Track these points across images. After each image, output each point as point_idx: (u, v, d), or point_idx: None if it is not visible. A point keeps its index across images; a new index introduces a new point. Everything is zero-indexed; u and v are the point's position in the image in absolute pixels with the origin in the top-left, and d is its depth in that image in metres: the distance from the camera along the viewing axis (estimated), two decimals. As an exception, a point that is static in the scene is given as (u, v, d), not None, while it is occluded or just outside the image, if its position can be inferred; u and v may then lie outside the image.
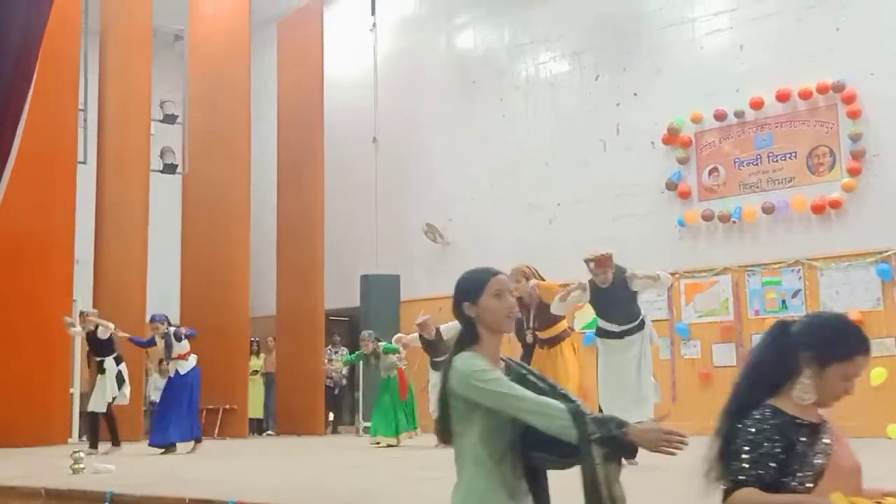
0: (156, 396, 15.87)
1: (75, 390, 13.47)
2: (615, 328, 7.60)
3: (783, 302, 11.98)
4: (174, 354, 10.90)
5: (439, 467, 7.40)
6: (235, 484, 6.13)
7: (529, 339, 8.11)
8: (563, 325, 8.29)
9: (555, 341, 8.14)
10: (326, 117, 15.97)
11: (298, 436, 14.63)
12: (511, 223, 14.49)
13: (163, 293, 14.78)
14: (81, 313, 11.47)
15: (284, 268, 15.89)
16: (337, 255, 15.99)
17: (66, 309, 13.03)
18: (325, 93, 16.04)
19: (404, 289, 15.31)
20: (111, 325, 11.24)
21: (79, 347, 13.77)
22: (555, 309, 7.66)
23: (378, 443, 11.11)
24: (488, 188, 14.89)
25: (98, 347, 11.21)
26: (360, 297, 15.27)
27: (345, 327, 17.37)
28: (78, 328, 11.41)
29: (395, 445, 11.04)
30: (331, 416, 16.13)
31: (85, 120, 13.95)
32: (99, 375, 11.10)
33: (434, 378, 10.99)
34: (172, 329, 10.94)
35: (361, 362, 12.19)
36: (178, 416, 10.70)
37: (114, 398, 11.06)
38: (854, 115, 11.72)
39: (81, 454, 7.12)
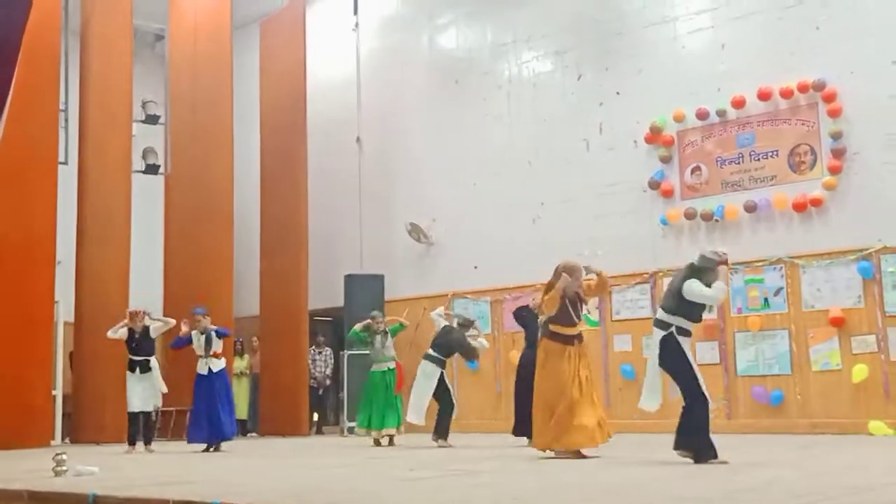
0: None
1: (58, 392, 13.40)
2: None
3: (765, 300, 12.04)
4: (211, 351, 10.95)
5: (425, 468, 7.40)
6: (219, 485, 6.12)
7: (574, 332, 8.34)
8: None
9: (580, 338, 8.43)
10: (309, 117, 15.94)
11: (283, 437, 14.59)
12: (495, 222, 14.52)
13: (145, 294, 14.70)
14: (132, 312, 11.41)
15: (268, 268, 15.85)
16: (321, 255, 15.97)
17: (48, 310, 12.97)
18: (308, 93, 16.00)
19: (388, 289, 15.31)
20: (171, 321, 11.43)
21: (61, 348, 13.70)
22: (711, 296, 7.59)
23: (380, 437, 11.06)
24: (472, 188, 14.91)
25: (145, 346, 11.23)
26: (345, 297, 15.26)
27: (329, 327, 17.34)
28: (123, 330, 11.28)
29: (383, 439, 11.03)
30: (315, 417, 16.11)
31: (66, 120, 13.88)
32: (141, 374, 11.10)
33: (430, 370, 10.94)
34: (213, 327, 11.02)
35: (352, 345, 11.91)
36: (218, 415, 10.78)
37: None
38: (835, 114, 11.80)
39: (64, 456, 7.07)
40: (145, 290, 14.71)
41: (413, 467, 7.32)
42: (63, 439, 13.37)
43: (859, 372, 11.13)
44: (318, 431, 15.94)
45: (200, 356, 10.98)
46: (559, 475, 6.51)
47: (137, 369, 11.13)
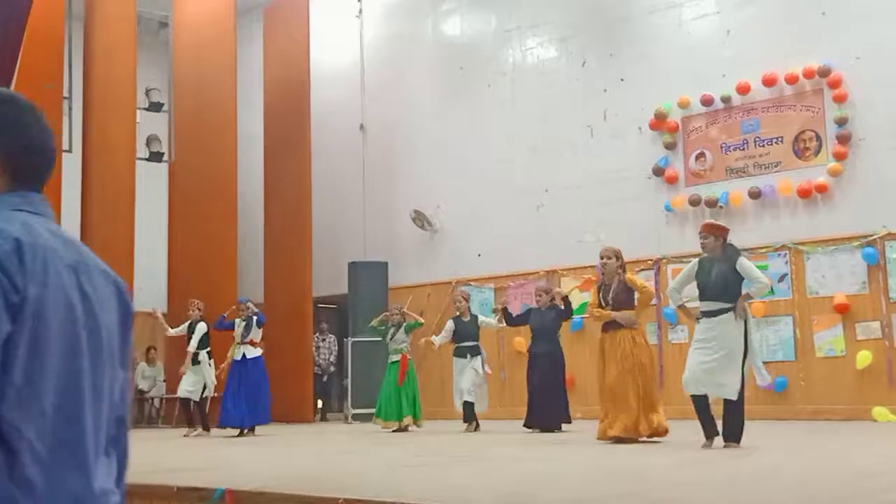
0: (143, 384, 15.89)
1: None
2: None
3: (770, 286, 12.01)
4: (248, 339, 11.34)
5: (429, 454, 7.43)
6: (224, 471, 6.14)
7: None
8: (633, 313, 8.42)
9: (621, 326, 8.32)
10: (313, 104, 15.92)
11: (287, 423, 14.63)
12: (499, 209, 14.50)
13: (150, 282, 14.74)
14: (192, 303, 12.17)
15: (272, 255, 15.86)
16: (325, 243, 15.98)
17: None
18: (312, 80, 15.98)
19: (392, 276, 15.31)
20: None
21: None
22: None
23: (388, 427, 11.15)
24: (476, 175, 14.89)
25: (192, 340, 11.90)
26: (349, 285, 15.27)
27: (333, 314, 17.36)
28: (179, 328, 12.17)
29: (402, 430, 11.07)
30: (319, 404, 16.14)
31: (70, 108, 13.87)
32: (193, 366, 11.77)
33: (460, 365, 11.12)
34: (255, 312, 11.48)
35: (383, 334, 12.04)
36: (251, 400, 11.16)
37: (204, 387, 11.84)
38: (840, 100, 11.76)
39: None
40: (150, 278, 14.73)
41: (418, 453, 7.34)
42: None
43: (863, 358, 11.12)
44: (323, 418, 15.99)
45: (238, 343, 11.41)
46: (563, 461, 6.52)
47: (190, 360, 11.88)
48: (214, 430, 11.74)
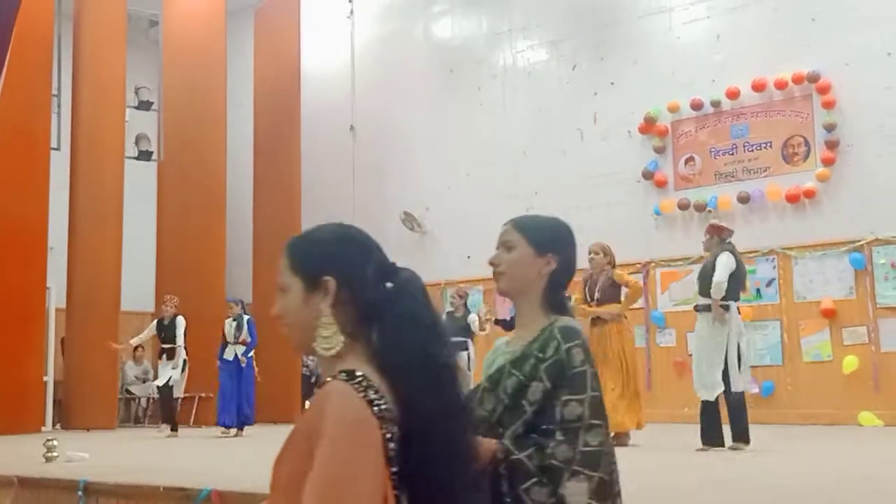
0: (130, 384, 15.82)
1: (49, 378, 13.38)
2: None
3: (758, 290, 12.06)
4: (240, 338, 11.34)
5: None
6: (211, 472, 6.12)
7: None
8: (619, 308, 8.53)
9: (606, 321, 8.42)
10: (303, 105, 15.88)
11: (275, 424, 14.59)
12: (488, 212, 14.46)
13: (138, 281, 14.67)
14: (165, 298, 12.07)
15: (261, 256, 15.81)
16: (314, 243, 15.91)
17: (40, 296, 12.93)
18: (303, 81, 15.95)
19: (381, 277, 15.26)
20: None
21: (53, 334, 13.68)
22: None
23: None
24: (466, 177, 14.89)
25: (168, 335, 11.75)
26: (337, 285, 15.22)
27: (321, 315, 17.30)
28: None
29: None
30: (307, 405, 16.09)
31: (58, 105, 13.81)
32: (167, 360, 11.68)
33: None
34: (247, 317, 11.47)
35: None
36: (243, 399, 11.26)
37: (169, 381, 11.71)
38: (829, 106, 11.81)
39: (55, 442, 7.07)
40: (137, 277, 14.66)
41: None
42: (54, 425, 13.35)
43: (850, 363, 11.16)
44: (311, 419, 15.95)
45: (229, 342, 11.38)
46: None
47: (164, 356, 11.78)
48: (203, 431, 11.70)
